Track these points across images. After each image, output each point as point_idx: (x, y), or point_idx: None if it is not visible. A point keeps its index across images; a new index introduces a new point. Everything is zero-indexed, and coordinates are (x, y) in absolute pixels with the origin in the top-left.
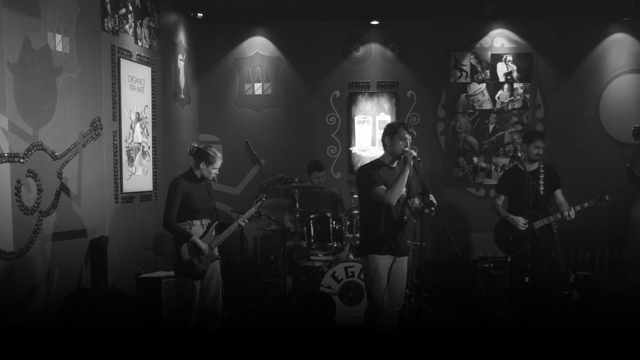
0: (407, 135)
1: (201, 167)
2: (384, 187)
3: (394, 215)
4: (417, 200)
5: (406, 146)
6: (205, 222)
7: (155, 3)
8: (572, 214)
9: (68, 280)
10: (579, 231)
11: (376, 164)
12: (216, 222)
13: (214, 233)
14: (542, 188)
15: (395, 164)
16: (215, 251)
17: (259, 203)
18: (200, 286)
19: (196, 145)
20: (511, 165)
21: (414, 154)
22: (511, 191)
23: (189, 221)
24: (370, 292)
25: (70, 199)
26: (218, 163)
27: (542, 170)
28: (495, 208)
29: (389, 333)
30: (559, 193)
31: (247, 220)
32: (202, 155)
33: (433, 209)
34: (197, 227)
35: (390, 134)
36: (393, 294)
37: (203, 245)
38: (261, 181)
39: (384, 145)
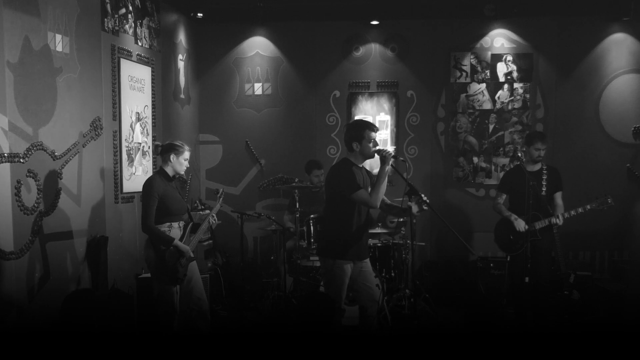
0: (375, 136)
1: (171, 159)
2: (364, 190)
3: (363, 217)
4: (386, 199)
5: (375, 145)
6: (182, 224)
7: (155, 3)
8: (560, 220)
9: (68, 280)
10: (579, 231)
11: (349, 163)
12: (191, 223)
13: (189, 234)
14: (544, 189)
15: (362, 164)
16: (190, 252)
17: (221, 198)
18: (182, 288)
19: (160, 143)
20: (512, 165)
21: (392, 153)
22: (512, 190)
23: (168, 223)
24: (331, 297)
25: (70, 199)
26: (187, 153)
27: (544, 171)
28: (497, 207)
29: (373, 332)
30: (557, 196)
31: (215, 218)
32: (169, 148)
33: (425, 207)
34: (176, 230)
35: (357, 139)
36: (369, 294)
37: (185, 248)
38: (261, 181)
39: (351, 149)
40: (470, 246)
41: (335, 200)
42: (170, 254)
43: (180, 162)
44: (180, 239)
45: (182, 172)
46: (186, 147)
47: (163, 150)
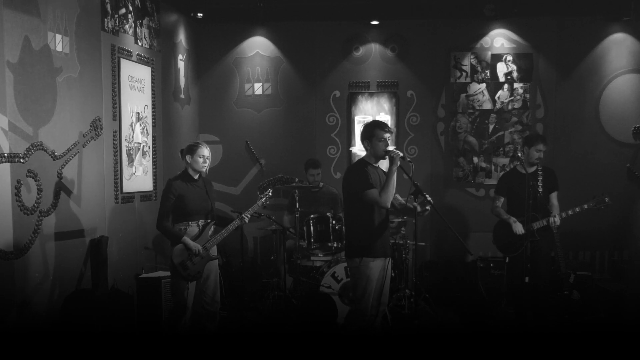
0: (385, 135)
1: (188, 160)
2: (376, 189)
3: (383, 214)
4: (399, 198)
5: (387, 145)
6: (201, 222)
7: (155, 3)
8: (557, 220)
9: (68, 280)
10: (579, 231)
11: (364, 164)
12: (212, 222)
13: (209, 233)
14: (540, 190)
15: (378, 163)
16: (214, 250)
17: (264, 199)
18: (197, 286)
19: (183, 149)
20: (511, 167)
21: (401, 154)
22: (510, 193)
23: (185, 222)
24: (358, 296)
25: (70, 199)
26: (202, 150)
27: (540, 172)
28: (495, 210)
29: (376, 332)
30: (553, 196)
31: (249, 216)
32: (187, 150)
33: (428, 207)
34: (194, 228)
35: (368, 137)
36: (381, 294)
37: (194, 246)
38: (261, 181)
39: (365, 148)
40: (470, 246)
41: (352, 200)
42: (179, 250)
43: (196, 160)
44: (196, 237)
45: (202, 170)
46: (202, 145)
47: (183, 154)
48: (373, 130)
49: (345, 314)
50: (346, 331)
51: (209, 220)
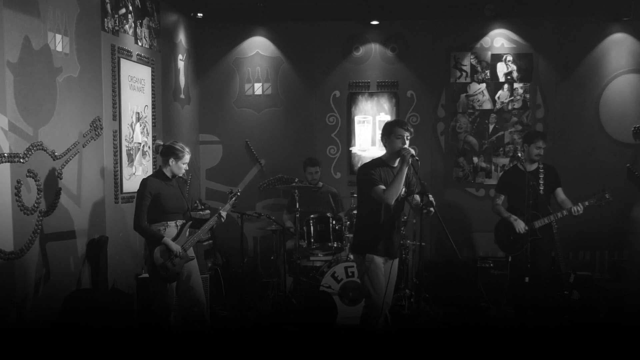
0: (403, 133)
1: (170, 163)
2: (383, 186)
3: (392, 215)
4: (417, 197)
5: (404, 144)
6: (180, 222)
7: (155, 3)
8: (581, 209)
9: (68, 280)
10: (579, 231)
11: (377, 162)
12: (189, 222)
13: (187, 233)
14: (542, 187)
15: (396, 163)
16: (190, 251)
17: (233, 198)
18: (179, 288)
19: (162, 143)
20: (511, 165)
21: (412, 152)
22: (511, 191)
23: (163, 222)
24: (369, 291)
25: (70, 199)
26: (187, 157)
27: (541, 170)
28: (496, 208)
29: (377, 332)
30: (560, 191)
31: (224, 214)
32: (169, 152)
33: (432, 208)
34: (172, 229)
35: (387, 133)
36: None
37: (175, 247)
38: (261, 181)
39: (384, 146)
40: (470, 247)
41: (360, 197)
42: (160, 252)
43: (179, 166)
44: (175, 238)
45: (181, 175)
46: (187, 151)
47: (163, 153)
48: (392, 127)
49: (345, 314)
50: (361, 328)
51: (185, 221)
